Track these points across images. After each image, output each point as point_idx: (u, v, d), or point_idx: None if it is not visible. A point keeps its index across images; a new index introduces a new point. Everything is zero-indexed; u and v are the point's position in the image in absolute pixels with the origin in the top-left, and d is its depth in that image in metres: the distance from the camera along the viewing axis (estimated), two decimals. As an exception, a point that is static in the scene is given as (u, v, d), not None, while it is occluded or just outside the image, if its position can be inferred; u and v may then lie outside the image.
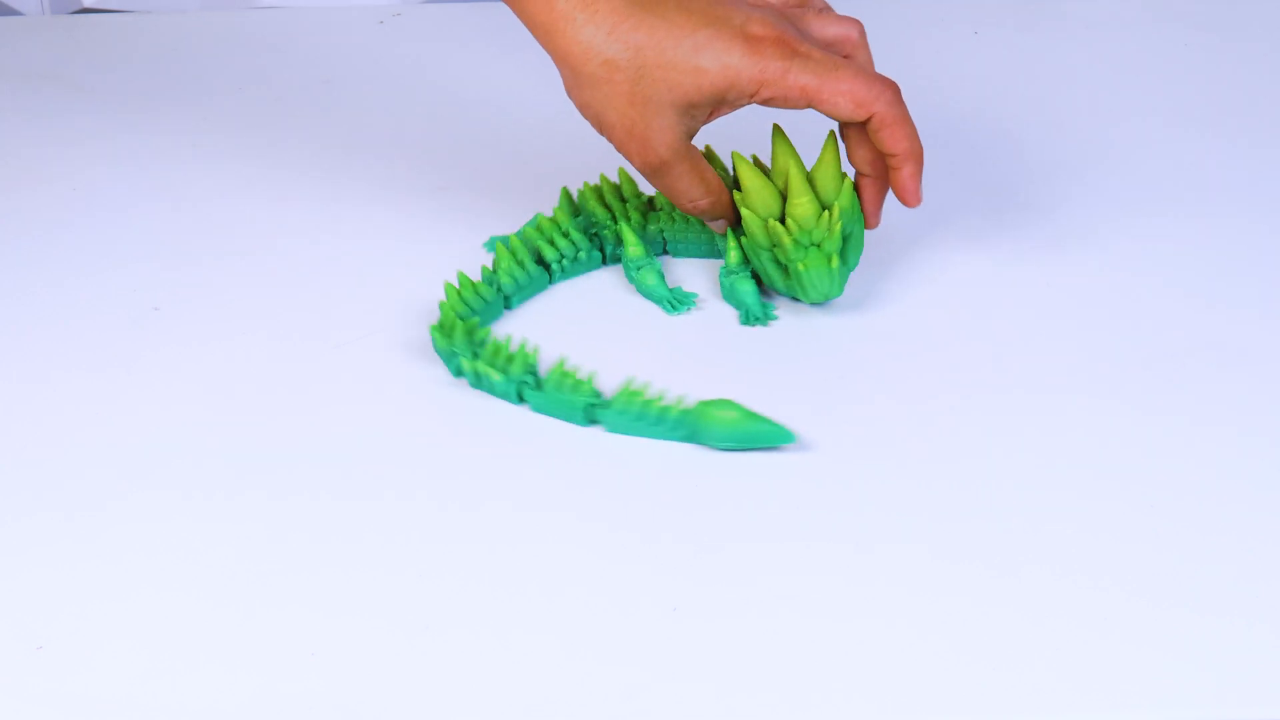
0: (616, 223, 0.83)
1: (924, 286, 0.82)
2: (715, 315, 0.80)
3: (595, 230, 0.83)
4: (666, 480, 0.71)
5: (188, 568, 0.67)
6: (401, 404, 0.75)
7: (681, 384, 0.75)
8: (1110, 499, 0.69)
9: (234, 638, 0.64)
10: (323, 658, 0.63)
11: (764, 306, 0.79)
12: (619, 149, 0.77)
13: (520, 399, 0.74)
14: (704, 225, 0.82)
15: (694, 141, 0.83)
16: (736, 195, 0.79)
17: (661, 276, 0.81)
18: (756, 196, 0.77)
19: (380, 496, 0.70)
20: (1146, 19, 1.06)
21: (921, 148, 0.78)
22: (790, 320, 0.80)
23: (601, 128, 0.77)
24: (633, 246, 0.81)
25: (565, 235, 0.82)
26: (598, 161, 0.87)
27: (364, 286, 0.82)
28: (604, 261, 0.83)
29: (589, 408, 0.73)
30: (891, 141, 0.77)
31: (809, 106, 0.76)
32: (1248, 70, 1.01)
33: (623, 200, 0.83)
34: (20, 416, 0.75)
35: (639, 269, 0.81)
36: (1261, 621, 0.64)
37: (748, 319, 0.79)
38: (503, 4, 0.78)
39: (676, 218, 0.83)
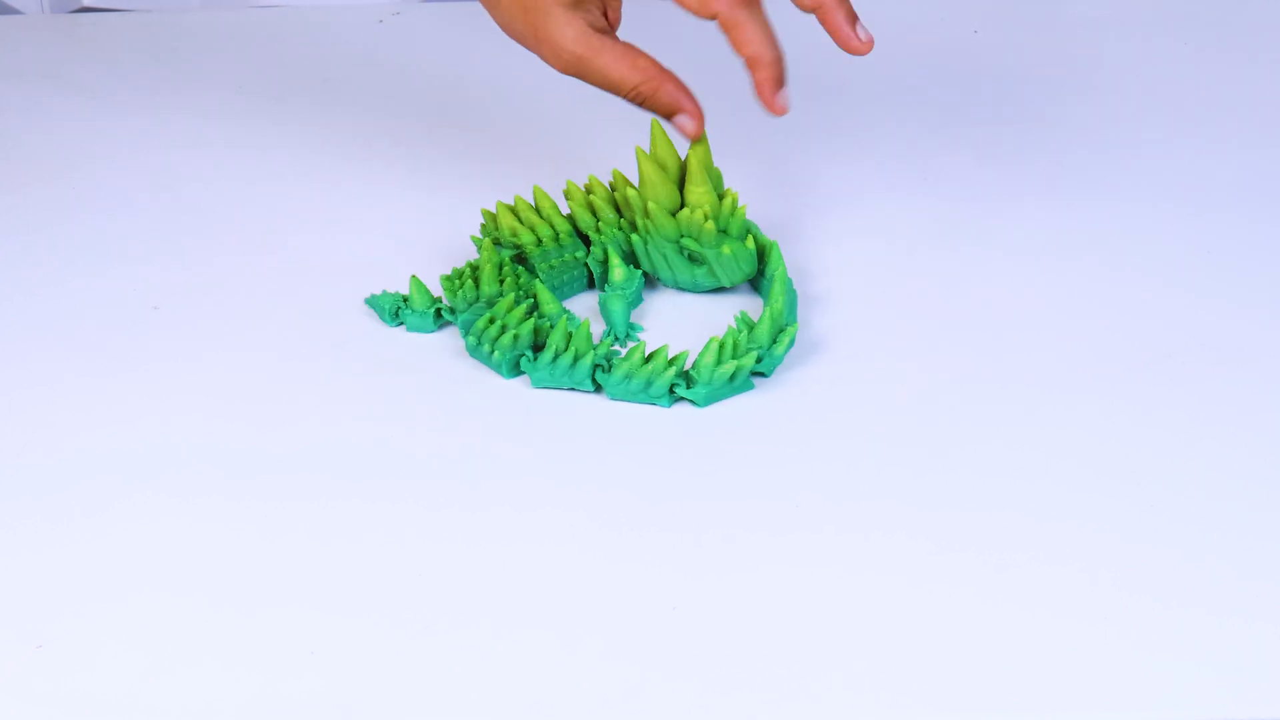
0: (601, 234, 0.81)
1: (924, 283, 0.82)
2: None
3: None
4: (666, 478, 0.71)
5: (187, 568, 0.67)
6: (401, 403, 0.75)
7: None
8: (1110, 498, 0.69)
9: (234, 637, 0.64)
10: (322, 657, 0.63)
11: (630, 327, 0.79)
12: (542, 57, 0.77)
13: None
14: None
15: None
16: (632, 191, 0.78)
17: (628, 309, 0.79)
18: (659, 189, 0.77)
19: (379, 496, 0.70)
20: (1147, 19, 1.06)
21: (776, 53, 0.76)
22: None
23: (521, 41, 0.77)
24: (618, 269, 0.80)
25: (547, 224, 0.80)
26: (598, 161, 0.87)
27: (363, 285, 0.82)
28: (589, 284, 0.82)
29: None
30: (738, 46, 0.75)
31: None
32: (1248, 70, 1.01)
33: (617, 212, 0.81)
34: (20, 416, 0.74)
35: (613, 293, 0.79)
36: (1261, 621, 0.64)
37: (610, 338, 0.78)
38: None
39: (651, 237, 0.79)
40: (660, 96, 0.77)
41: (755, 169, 0.90)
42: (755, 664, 0.62)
